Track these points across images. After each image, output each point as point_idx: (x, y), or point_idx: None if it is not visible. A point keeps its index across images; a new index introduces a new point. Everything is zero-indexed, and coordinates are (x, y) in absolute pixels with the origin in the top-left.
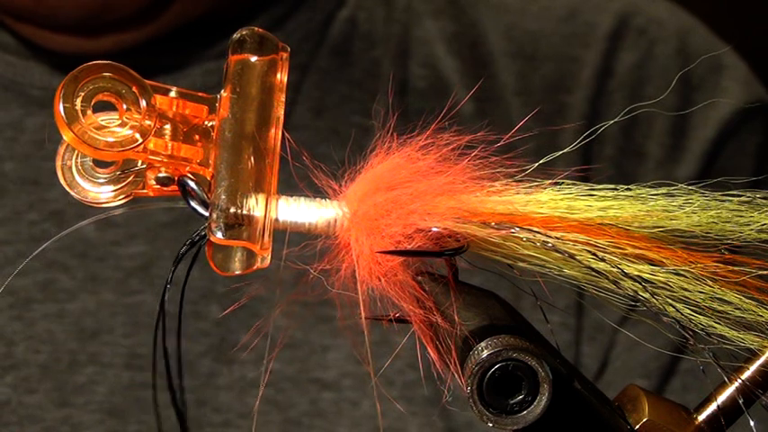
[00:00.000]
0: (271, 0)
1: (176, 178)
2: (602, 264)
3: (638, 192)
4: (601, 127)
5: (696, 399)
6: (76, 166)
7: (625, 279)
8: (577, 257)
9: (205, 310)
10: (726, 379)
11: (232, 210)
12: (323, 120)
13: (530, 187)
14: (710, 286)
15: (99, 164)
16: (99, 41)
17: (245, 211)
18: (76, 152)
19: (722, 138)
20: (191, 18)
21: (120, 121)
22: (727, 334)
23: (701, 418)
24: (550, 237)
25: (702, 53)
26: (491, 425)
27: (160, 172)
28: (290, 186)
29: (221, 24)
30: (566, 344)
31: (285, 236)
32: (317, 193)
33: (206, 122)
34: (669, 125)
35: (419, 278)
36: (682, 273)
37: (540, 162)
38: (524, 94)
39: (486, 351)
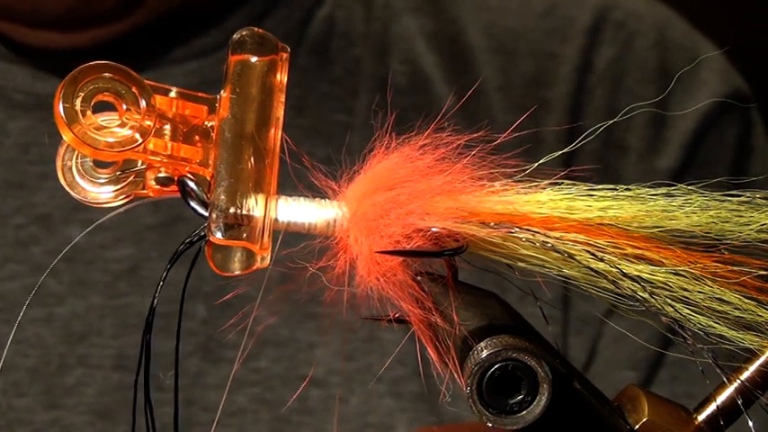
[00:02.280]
0: None
1: (176, 178)
2: (602, 264)
3: (638, 192)
4: (601, 126)
5: (685, 390)
6: (77, 167)
7: (624, 279)
8: (577, 257)
9: (192, 310)
10: (725, 379)
11: (232, 210)
12: (304, 118)
13: (528, 187)
14: (710, 286)
15: (99, 164)
16: (79, 36)
17: (244, 212)
18: (76, 152)
19: (702, 129)
20: (169, 10)
21: (119, 122)
22: (726, 334)
23: (701, 418)
24: (550, 237)
25: (680, 45)
26: (491, 425)
27: (160, 172)
28: (286, 187)
29: (199, 21)
30: (553, 336)
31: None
32: (309, 191)
33: (206, 123)
34: (650, 118)
35: (418, 278)
36: (681, 273)
37: (540, 162)
38: (505, 89)
39: (485, 351)
